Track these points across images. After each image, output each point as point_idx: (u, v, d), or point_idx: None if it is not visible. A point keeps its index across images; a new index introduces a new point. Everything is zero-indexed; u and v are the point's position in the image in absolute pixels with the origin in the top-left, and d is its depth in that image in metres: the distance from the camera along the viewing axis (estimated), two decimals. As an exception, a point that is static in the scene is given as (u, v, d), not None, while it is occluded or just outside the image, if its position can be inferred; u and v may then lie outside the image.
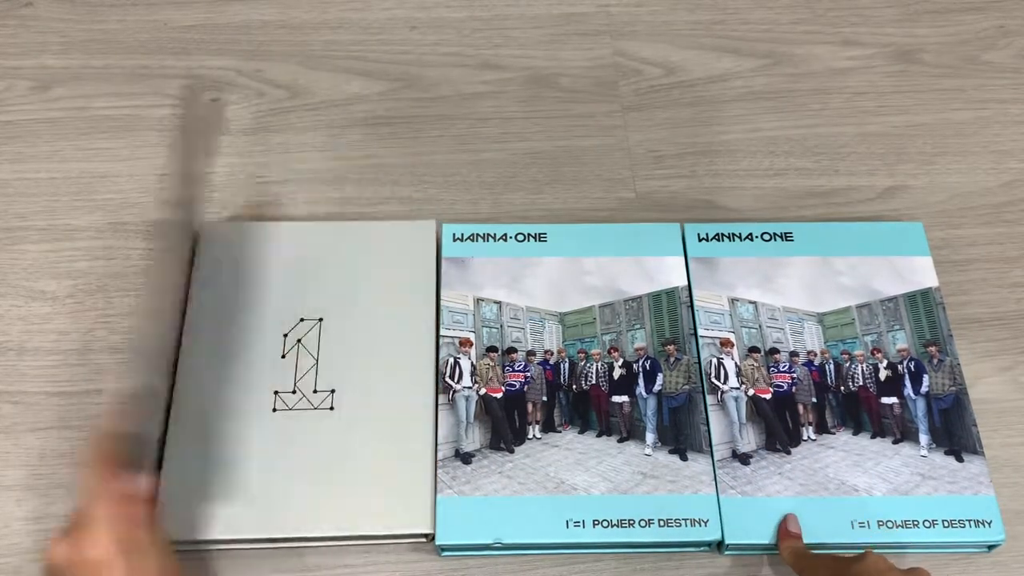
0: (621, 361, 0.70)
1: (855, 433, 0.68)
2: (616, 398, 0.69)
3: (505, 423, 0.68)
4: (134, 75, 0.85)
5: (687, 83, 0.87)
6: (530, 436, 0.67)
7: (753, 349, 0.71)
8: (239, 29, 0.88)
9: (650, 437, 0.67)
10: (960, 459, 0.67)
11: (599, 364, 0.70)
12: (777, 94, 0.86)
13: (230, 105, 0.84)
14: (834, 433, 0.68)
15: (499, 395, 0.69)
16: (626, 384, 0.70)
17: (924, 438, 0.68)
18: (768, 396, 0.69)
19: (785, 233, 0.76)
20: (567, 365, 0.70)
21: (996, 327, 0.74)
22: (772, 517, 0.64)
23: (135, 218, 0.78)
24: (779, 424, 0.68)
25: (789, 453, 0.67)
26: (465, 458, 0.66)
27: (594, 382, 0.70)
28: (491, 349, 0.71)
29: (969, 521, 0.64)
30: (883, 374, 0.70)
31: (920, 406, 0.69)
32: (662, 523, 0.64)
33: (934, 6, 0.91)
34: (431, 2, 0.91)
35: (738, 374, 0.70)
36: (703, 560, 0.65)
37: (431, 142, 0.83)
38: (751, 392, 0.69)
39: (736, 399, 0.69)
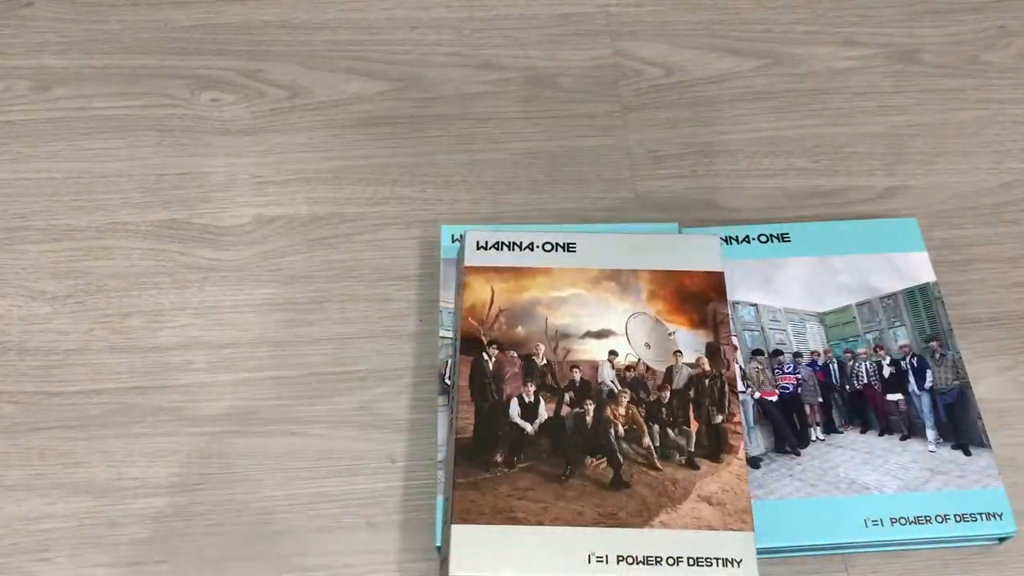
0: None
1: (863, 431, 0.68)
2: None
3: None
4: (134, 75, 0.85)
5: (687, 83, 0.87)
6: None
7: (757, 352, 0.71)
8: (239, 29, 0.88)
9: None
10: (968, 452, 0.67)
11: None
12: (777, 94, 0.86)
13: (230, 105, 0.84)
14: (842, 432, 0.68)
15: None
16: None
17: (931, 433, 0.68)
18: (774, 398, 0.70)
19: (782, 234, 0.76)
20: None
21: (996, 327, 0.74)
22: (784, 519, 0.64)
23: (135, 218, 0.78)
24: (787, 426, 0.69)
25: (799, 454, 0.67)
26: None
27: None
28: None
29: (980, 515, 0.64)
30: (887, 371, 0.70)
31: (925, 401, 0.69)
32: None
33: (934, 6, 0.91)
34: (431, 2, 0.91)
35: (743, 378, 0.70)
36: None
37: (431, 142, 0.83)
38: (757, 395, 0.70)
39: (743, 403, 0.69)
